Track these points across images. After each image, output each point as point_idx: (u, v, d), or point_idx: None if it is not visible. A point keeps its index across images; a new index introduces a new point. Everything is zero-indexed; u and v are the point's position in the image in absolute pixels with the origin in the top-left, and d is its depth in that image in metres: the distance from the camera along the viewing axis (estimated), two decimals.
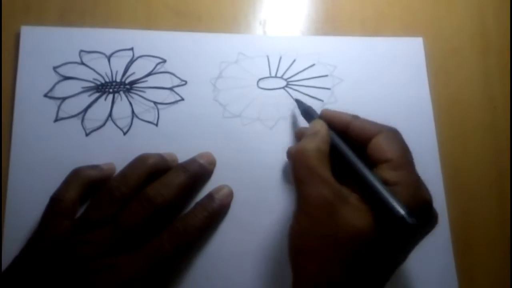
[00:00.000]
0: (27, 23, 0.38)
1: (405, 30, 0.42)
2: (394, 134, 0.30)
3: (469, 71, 0.41)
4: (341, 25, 0.42)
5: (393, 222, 0.26)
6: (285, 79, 0.39)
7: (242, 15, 0.41)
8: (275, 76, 0.39)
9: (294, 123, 0.38)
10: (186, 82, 0.38)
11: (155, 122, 0.37)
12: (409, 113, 0.39)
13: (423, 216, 0.28)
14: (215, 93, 0.38)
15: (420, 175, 0.37)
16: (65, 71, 0.37)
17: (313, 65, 0.40)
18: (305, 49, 0.40)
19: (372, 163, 0.29)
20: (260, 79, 0.39)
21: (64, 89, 0.37)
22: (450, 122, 0.40)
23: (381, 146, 0.30)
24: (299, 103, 0.37)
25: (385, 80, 0.40)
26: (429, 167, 0.38)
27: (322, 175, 0.28)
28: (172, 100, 0.38)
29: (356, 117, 0.33)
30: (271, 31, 0.41)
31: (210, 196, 0.34)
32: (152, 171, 0.33)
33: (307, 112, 0.36)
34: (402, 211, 0.26)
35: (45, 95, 0.37)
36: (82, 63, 0.38)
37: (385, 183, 0.28)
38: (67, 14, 0.39)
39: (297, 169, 0.30)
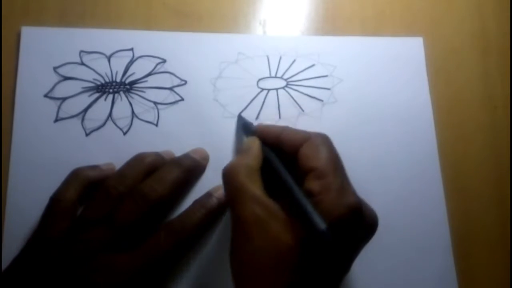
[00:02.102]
0: (27, 24, 0.38)
1: (405, 30, 0.42)
2: (320, 141, 0.30)
3: (469, 71, 0.41)
4: (341, 25, 0.42)
5: (314, 237, 0.25)
6: (285, 79, 0.39)
7: (242, 15, 0.41)
8: (275, 76, 0.39)
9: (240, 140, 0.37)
10: (186, 82, 0.38)
11: (155, 122, 0.37)
12: (409, 113, 0.39)
13: (352, 222, 0.27)
14: (215, 93, 0.38)
15: (420, 175, 0.37)
16: (65, 71, 0.38)
17: (313, 65, 0.40)
18: (305, 49, 0.40)
19: (302, 173, 0.29)
20: (260, 79, 0.39)
21: (64, 89, 0.37)
22: (450, 122, 0.40)
23: (306, 155, 0.29)
24: (239, 118, 0.37)
25: (385, 80, 0.40)
26: (429, 167, 0.38)
27: (251, 192, 0.28)
28: (172, 100, 0.38)
29: (284, 128, 0.32)
30: (271, 31, 0.41)
31: (208, 194, 0.34)
32: (150, 169, 0.33)
33: (245, 128, 0.36)
34: (320, 226, 0.25)
35: (45, 95, 0.37)
36: (82, 64, 0.38)
37: (311, 193, 0.27)
38: (67, 14, 0.39)
39: (228, 187, 0.29)
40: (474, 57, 0.42)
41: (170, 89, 0.38)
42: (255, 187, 0.28)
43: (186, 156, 0.35)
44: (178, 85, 0.38)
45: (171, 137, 0.37)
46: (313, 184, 0.28)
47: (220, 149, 0.37)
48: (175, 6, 0.41)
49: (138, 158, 0.34)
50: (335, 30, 0.42)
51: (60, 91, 0.37)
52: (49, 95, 0.37)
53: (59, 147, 0.36)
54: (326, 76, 0.40)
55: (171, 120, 0.37)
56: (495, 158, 0.39)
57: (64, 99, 0.37)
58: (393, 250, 0.36)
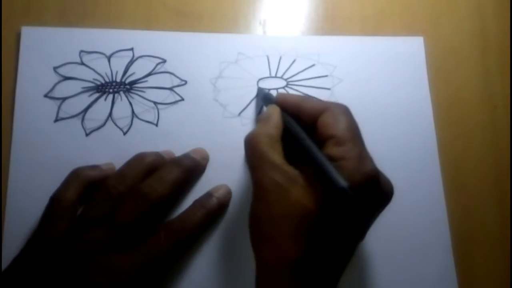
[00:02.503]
0: (27, 24, 0.38)
1: (405, 29, 0.42)
2: (340, 110, 0.30)
3: (469, 71, 0.41)
4: (341, 24, 0.42)
5: (335, 195, 0.26)
6: (285, 79, 0.39)
7: (242, 15, 0.41)
8: (275, 76, 0.39)
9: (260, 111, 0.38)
10: (186, 82, 0.38)
11: (155, 122, 0.37)
12: (409, 113, 0.39)
13: (370, 189, 0.28)
14: (215, 93, 0.38)
15: (420, 174, 0.37)
16: (65, 71, 0.38)
17: (313, 65, 0.40)
18: (305, 49, 0.40)
19: (320, 141, 0.29)
20: (260, 79, 0.39)
21: (64, 89, 0.37)
22: (450, 122, 0.40)
23: (326, 123, 0.30)
24: (259, 90, 0.37)
25: (385, 80, 0.40)
26: (428, 166, 0.38)
27: (272, 159, 0.29)
28: (172, 100, 0.38)
29: (305, 98, 0.33)
30: (271, 31, 0.41)
31: (208, 194, 0.34)
32: (150, 169, 0.33)
33: (266, 98, 0.36)
34: (342, 183, 0.26)
35: (45, 95, 0.37)
36: (82, 63, 0.38)
37: (330, 159, 0.28)
38: (67, 14, 0.39)
39: (249, 156, 0.30)
40: (474, 56, 0.42)
41: (170, 89, 0.38)
42: (275, 155, 0.29)
43: (186, 156, 0.35)
44: (178, 85, 0.38)
45: (171, 137, 0.37)
46: (333, 150, 0.28)
47: (220, 149, 0.37)
48: (175, 6, 0.41)
49: (138, 158, 0.34)
50: (335, 30, 0.42)
51: (60, 91, 0.37)
52: (49, 95, 0.37)
53: (59, 147, 0.36)
54: (326, 76, 0.40)
55: (171, 120, 0.37)
56: (495, 157, 0.39)
57: (64, 99, 0.37)
58: (392, 249, 0.36)
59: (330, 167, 0.27)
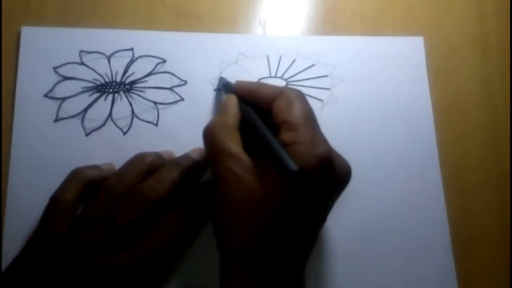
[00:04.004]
0: (27, 23, 0.38)
1: (405, 29, 0.42)
2: (294, 95, 0.31)
3: (469, 71, 0.41)
4: (341, 24, 0.42)
5: (287, 180, 0.27)
6: (285, 79, 0.39)
7: (242, 15, 0.41)
8: (275, 76, 0.39)
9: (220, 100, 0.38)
10: (186, 82, 0.38)
11: (155, 122, 0.37)
12: (409, 113, 0.39)
13: (323, 172, 0.28)
14: (215, 93, 0.38)
15: (419, 174, 0.37)
16: (65, 71, 0.38)
17: (313, 65, 0.40)
18: (305, 49, 0.40)
19: (275, 127, 0.30)
20: (260, 79, 0.39)
21: (64, 89, 0.37)
22: (449, 122, 0.40)
23: (279, 108, 0.30)
24: (220, 79, 0.38)
25: (385, 80, 0.40)
26: (428, 167, 0.38)
27: (228, 150, 0.29)
28: (172, 100, 0.38)
29: (261, 84, 0.34)
30: (271, 31, 0.41)
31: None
32: (150, 169, 0.33)
33: (226, 87, 0.36)
34: (293, 167, 0.26)
35: (45, 95, 0.37)
36: (82, 63, 0.38)
37: (284, 144, 0.28)
38: (67, 14, 0.39)
39: (207, 147, 0.31)
40: (474, 57, 0.42)
41: (170, 89, 0.38)
42: (232, 145, 0.30)
43: (186, 156, 0.35)
44: (178, 85, 0.38)
45: (171, 137, 0.37)
46: (285, 136, 0.29)
47: None
48: (175, 6, 0.41)
49: (138, 158, 0.34)
50: (335, 30, 0.42)
51: (60, 91, 0.37)
52: (49, 95, 0.37)
53: (59, 147, 0.36)
54: (326, 76, 0.40)
55: (171, 120, 0.37)
56: (495, 157, 0.39)
57: (64, 99, 0.37)
58: (392, 249, 0.36)
59: (281, 152, 0.27)
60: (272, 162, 0.28)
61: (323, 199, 0.30)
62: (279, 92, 0.31)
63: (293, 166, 0.26)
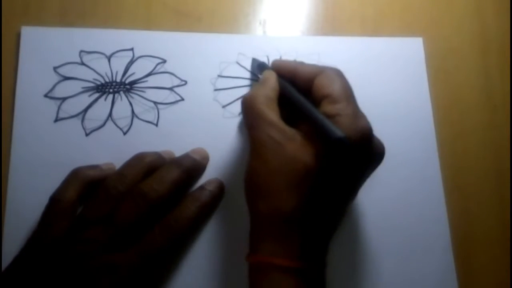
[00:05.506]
0: (27, 23, 0.38)
1: (405, 30, 0.42)
2: (334, 72, 0.31)
3: (469, 71, 0.41)
4: (341, 25, 0.42)
5: (332, 146, 0.27)
6: None
7: (242, 15, 0.41)
8: None
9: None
10: (186, 82, 0.38)
11: (155, 122, 0.37)
12: (408, 113, 0.39)
13: (364, 145, 0.29)
14: (215, 93, 0.38)
15: (419, 174, 0.38)
16: (65, 71, 0.38)
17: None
18: (305, 49, 0.40)
19: (316, 102, 0.31)
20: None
21: (64, 89, 0.37)
22: (449, 122, 0.40)
23: (321, 84, 0.31)
24: (253, 60, 0.39)
25: (385, 80, 0.40)
26: (428, 166, 0.38)
27: (269, 118, 0.30)
28: (172, 100, 0.38)
29: (301, 63, 0.34)
30: (271, 31, 0.41)
31: (201, 187, 0.35)
32: (150, 169, 0.33)
33: (261, 67, 0.37)
34: (339, 133, 0.27)
35: (45, 95, 0.37)
36: (82, 63, 0.38)
37: (326, 116, 0.29)
38: (67, 14, 0.39)
39: (246, 114, 0.32)
40: (474, 57, 0.42)
41: (170, 89, 0.38)
42: (272, 114, 0.30)
43: (186, 156, 0.35)
44: (178, 85, 0.38)
45: (171, 137, 0.37)
46: (328, 108, 0.29)
47: (220, 149, 0.37)
48: (175, 6, 0.41)
49: (138, 158, 0.34)
50: (335, 30, 0.42)
51: (60, 91, 0.37)
52: (49, 95, 0.37)
53: (59, 147, 0.36)
54: None
55: (171, 120, 0.37)
56: (495, 157, 0.39)
57: (64, 99, 0.37)
58: (393, 249, 0.36)
59: (326, 120, 0.28)
60: (316, 130, 0.28)
61: (359, 172, 0.30)
62: (320, 70, 0.32)
63: (339, 132, 0.27)
